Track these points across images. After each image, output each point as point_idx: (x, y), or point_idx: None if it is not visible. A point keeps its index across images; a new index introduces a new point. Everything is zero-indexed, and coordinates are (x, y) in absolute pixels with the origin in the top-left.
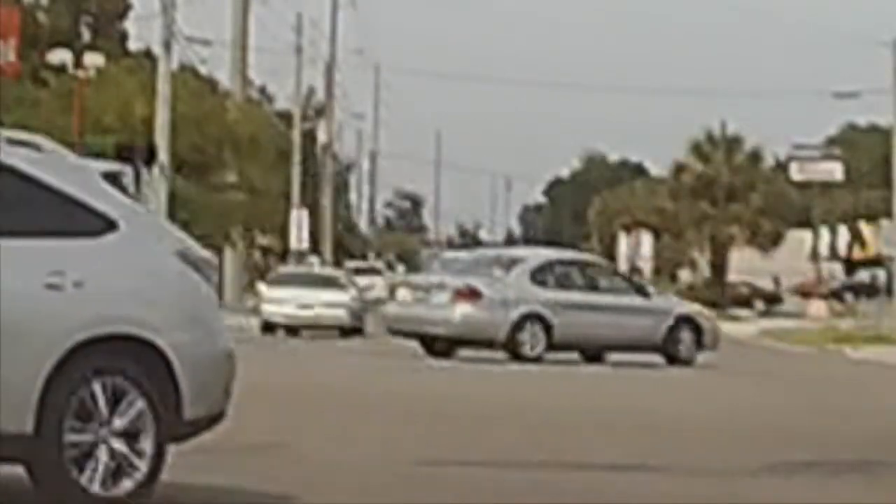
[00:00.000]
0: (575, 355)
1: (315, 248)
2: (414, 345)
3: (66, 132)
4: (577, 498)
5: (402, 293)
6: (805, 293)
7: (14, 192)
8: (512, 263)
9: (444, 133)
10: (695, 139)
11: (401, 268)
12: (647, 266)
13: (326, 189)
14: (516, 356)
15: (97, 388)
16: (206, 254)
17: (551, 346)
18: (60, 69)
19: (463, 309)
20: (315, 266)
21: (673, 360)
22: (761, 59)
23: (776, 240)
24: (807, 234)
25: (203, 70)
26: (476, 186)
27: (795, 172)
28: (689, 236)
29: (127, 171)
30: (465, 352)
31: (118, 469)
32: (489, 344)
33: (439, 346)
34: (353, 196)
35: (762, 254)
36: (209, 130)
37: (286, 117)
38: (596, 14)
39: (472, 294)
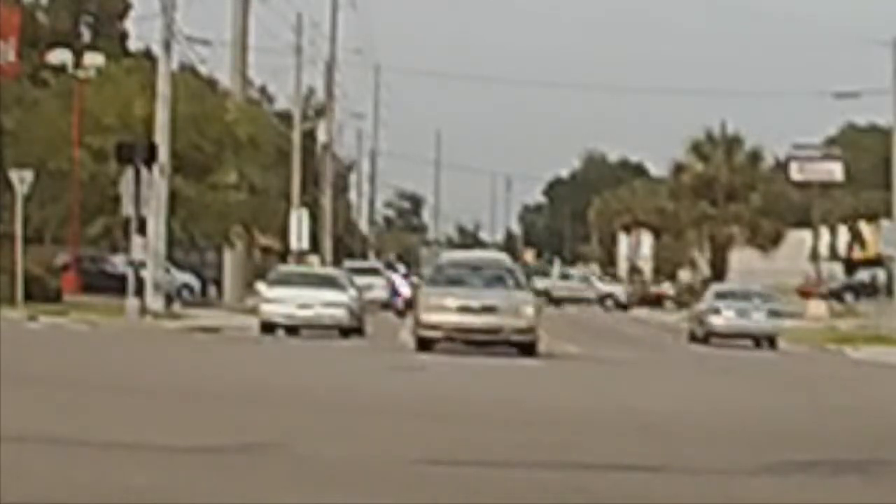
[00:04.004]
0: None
1: (315, 248)
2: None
3: (66, 132)
4: (577, 498)
5: (727, 313)
6: (805, 293)
7: None
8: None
9: (444, 133)
10: (695, 139)
11: (401, 267)
12: (646, 266)
13: (326, 189)
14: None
15: None
16: None
17: None
18: (60, 69)
19: (776, 322)
20: (315, 266)
21: None
22: (761, 59)
23: (776, 240)
24: (807, 234)
25: (203, 70)
26: (476, 186)
27: (795, 172)
28: (689, 236)
29: None
30: (466, 354)
31: None
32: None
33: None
34: (353, 196)
35: (762, 254)
36: (209, 130)
37: (286, 117)
38: (596, 14)
39: (779, 314)
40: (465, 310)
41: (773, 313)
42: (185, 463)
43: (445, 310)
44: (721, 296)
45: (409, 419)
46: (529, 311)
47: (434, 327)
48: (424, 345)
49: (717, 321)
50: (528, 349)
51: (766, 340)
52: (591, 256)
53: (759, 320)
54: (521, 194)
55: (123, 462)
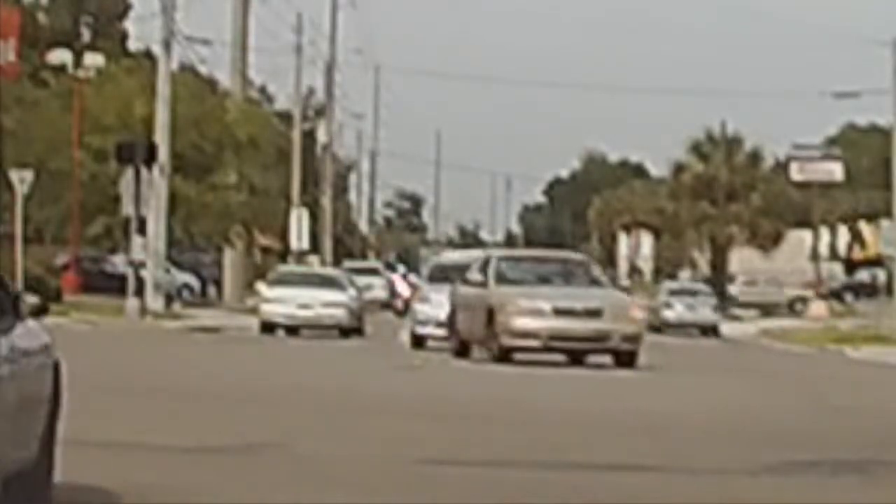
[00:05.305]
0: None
1: (315, 248)
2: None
3: (66, 132)
4: (577, 498)
5: (678, 307)
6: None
7: None
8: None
9: (444, 133)
10: (695, 139)
11: (401, 268)
12: (647, 266)
13: (326, 189)
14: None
15: None
16: None
17: None
18: (60, 69)
19: (718, 315)
20: (315, 266)
21: None
22: (761, 59)
23: (776, 240)
24: (807, 234)
25: (203, 70)
26: (476, 186)
27: (795, 172)
28: (689, 236)
29: None
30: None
31: None
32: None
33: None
34: (353, 196)
35: (762, 254)
36: (209, 130)
37: (286, 117)
38: (595, 13)
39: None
40: (564, 313)
41: (716, 308)
42: (185, 463)
43: (540, 314)
44: (673, 292)
45: (410, 419)
46: (638, 314)
47: (527, 335)
48: (506, 355)
49: (669, 314)
50: (630, 359)
51: (710, 330)
52: (591, 256)
53: (704, 313)
54: (521, 194)
55: (124, 462)
